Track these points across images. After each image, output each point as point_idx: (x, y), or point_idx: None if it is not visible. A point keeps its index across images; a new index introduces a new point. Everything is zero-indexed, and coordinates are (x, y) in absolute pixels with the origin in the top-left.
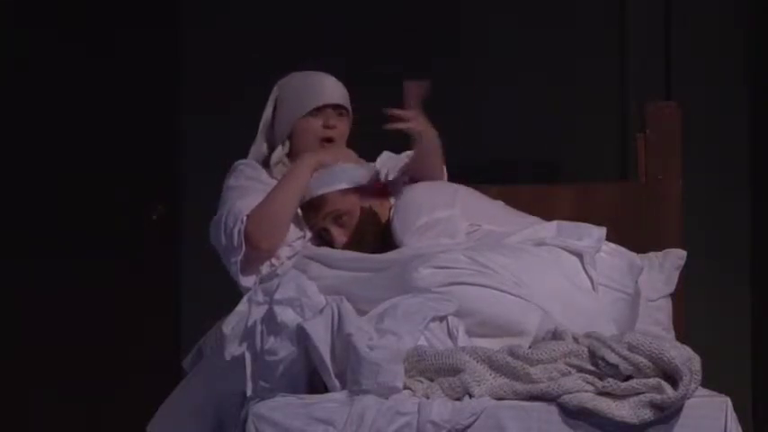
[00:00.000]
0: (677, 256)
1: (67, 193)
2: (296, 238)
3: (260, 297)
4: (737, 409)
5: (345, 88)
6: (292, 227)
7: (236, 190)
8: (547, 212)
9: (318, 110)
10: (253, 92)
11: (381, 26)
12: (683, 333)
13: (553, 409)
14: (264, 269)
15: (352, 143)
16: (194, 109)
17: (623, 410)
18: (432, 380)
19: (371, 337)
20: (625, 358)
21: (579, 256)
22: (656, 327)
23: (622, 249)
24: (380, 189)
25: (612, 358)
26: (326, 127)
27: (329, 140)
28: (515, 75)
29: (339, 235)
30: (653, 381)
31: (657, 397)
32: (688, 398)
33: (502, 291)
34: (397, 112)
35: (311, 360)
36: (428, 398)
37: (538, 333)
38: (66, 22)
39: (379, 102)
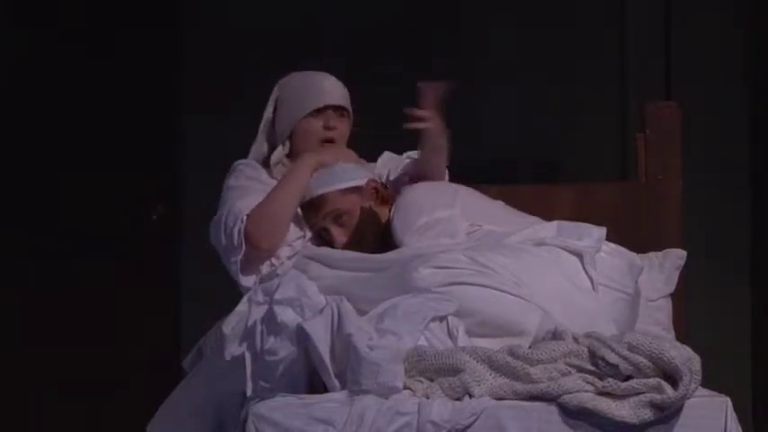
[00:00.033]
0: (677, 256)
1: (67, 193)
2: (296, 238)
3: (260, 297)
4: (737, 409)
5: (346, 89)
6: (292, 227)
7: (236, 190)
8: (547, 212)
9: (319, 111)
10: (253, 92)
11: (381, 26)
12: (683, 333)
13: (553, 409)
14: (264, 269)
15: (352, 143)
16: (194, 109)
17: (623, 410)
18: (432, 380)
19: (371, 337)
20: (625, 358)
21: (579, 256)
22: (656, 327)
23: (622, 249)
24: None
25: (612, 358)
26: (327, 128)
27: (330, 141)
28: (515, 75)
29: (339, 235)
30: (653, 381)
31: (657, 397)
32: (688, 398)
33: (502, 291)
34: (416, 111)
35: (311, 360)
36: (428, 398)
37: (538, 333)
38: (66, 22)
39: (379, 102)
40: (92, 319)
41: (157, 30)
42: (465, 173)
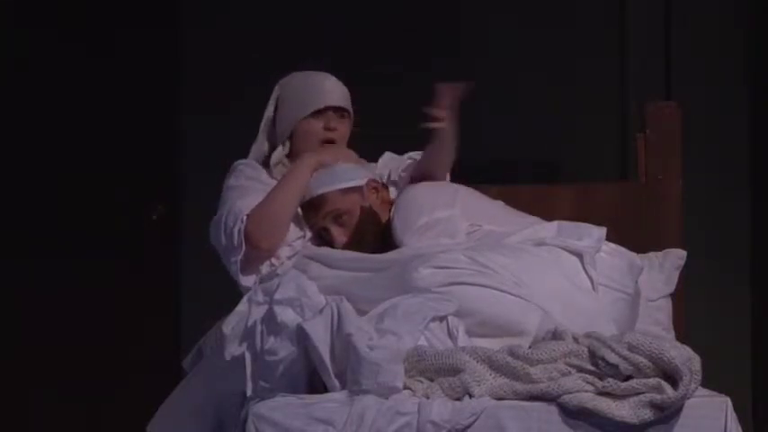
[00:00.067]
0: (677, 256)
1: (67, 193)
2: (296, 238)
3: (260, 297)
4: (737, 409)
5: (347, 89)
6: (292, 226)
7: (236, 190)
8: (547, 212)
9: (320, 112)
10: (253, 92)
11: (381, 26)
12: (683, 333)
13: (553, 409)
14: (264, 269)
15: (352, 143)
16: (194, 109)
17: (623, 410)
18: (432, 380)
19: (371, 337)
20: (625, 358)
21: (579, 256)
22: (656, 327)
23: (622, 249)
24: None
25: (612, 358)
26: (327, 129)
27: (330, 142)
28: (515, 75)
29: (339, 234)
30: (653, 381)
31: (657, 397)
32: (688, 398)
33: (502, 291)
34: (435, 111)
35: (311, 360)
36: (428, 398)
37: (538, 333)
38: (66, 22)
39: (379, 102)
40: (92, 319)
41: (157, 30)
42: (465, 173)
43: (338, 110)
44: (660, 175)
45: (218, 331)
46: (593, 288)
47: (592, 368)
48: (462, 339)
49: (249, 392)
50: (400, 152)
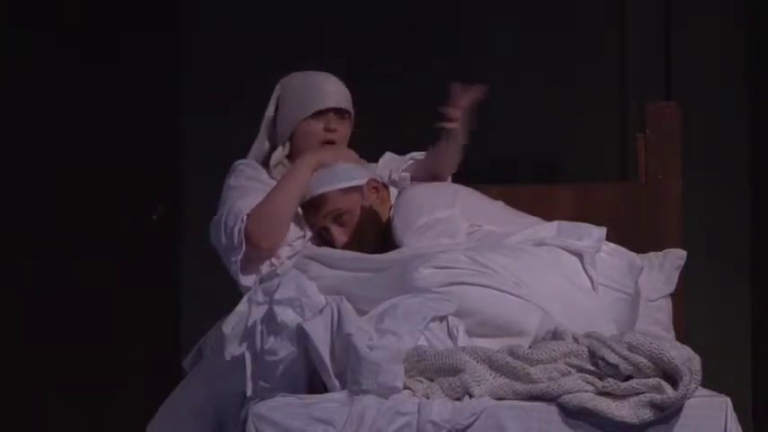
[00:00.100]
0: (677, 256)
1: (67, 193)
2: (296, 238)
3: (260, 297)
4: (737, 409)
5: (347, 89)
6: (292, 226)
7: (236, 190)
8: (547, 212)
9: (320, 113)
10: (253, 92)
11: (381, 26)
12: (683, 333)
13: (553, 409)
14: (264, 269)
15: (352, 143)
16: (194, 109)
17: (623, 410)
18: (432, 380)
19: (371, 337)
20: (625, 358)
21: (579, 256)
22: (656, 327)
23: (622, 249)
24: (381, 188)
25: (612, 358)
26: (328, 130)
27: (330, 144)
28: (515, 75)
29: (339, 234)
30: (653, 381)
31: (657, 397)
32: (688, 398)
33: (502, 291)
34: (450, 111)
35: (311, 360)
36: (428, 398)
37: (538, 333)
38: (66, 22)
39: (379, 102)
40: (92, 319)
41: (157, 30)
42: (465, 173)
43: (339, 111)
44: (660, 175)
45: (218, 331)
46: (593, 288)
47: (592, 368)
48: (462, 339)
49: (249, 392)
50: (400, 152)
